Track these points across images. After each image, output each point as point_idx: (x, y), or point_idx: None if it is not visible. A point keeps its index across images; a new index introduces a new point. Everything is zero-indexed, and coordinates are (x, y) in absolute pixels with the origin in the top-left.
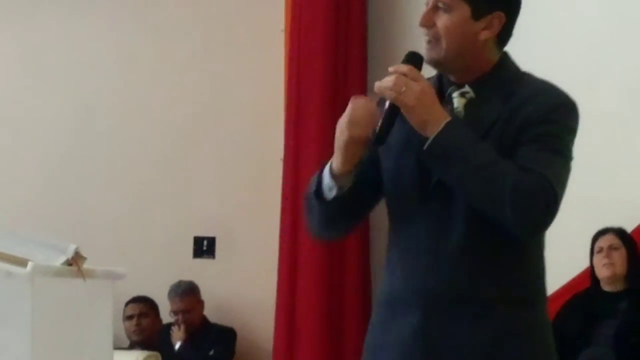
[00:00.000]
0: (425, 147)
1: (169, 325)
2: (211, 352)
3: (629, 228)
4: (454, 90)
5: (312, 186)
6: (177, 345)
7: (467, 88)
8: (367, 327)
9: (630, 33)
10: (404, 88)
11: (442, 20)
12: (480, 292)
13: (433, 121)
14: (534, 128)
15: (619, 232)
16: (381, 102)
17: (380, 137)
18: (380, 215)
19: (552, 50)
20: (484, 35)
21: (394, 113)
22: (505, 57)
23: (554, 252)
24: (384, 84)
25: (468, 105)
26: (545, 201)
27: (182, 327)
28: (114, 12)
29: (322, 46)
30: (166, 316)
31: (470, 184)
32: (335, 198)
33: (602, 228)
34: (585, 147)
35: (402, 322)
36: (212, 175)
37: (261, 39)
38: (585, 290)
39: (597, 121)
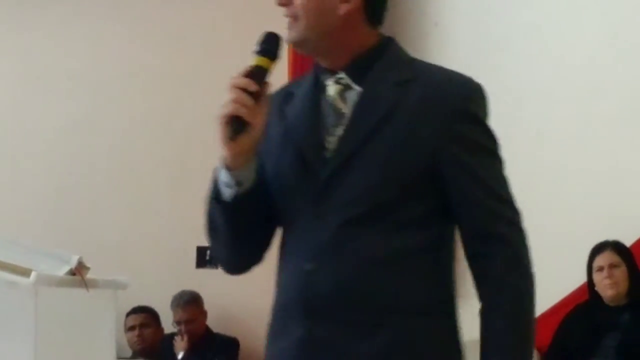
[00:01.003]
0: None
1: (172, 335)
2: None
3: (627, 241)
4: (326, 78)
5: (210, 193)
6: (180, 355)
7: (341, 74)
8: None
9: (631, 51)
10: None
11: None
12: (371, 301)
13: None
14: (464, 137)
15: (617, 248)
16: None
17: (235, 130)
18: None
19: (556, 65)
20: (343, 8)
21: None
22: (387, 40)
23: (550, 267)
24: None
25: (343, 92)
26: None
27: (185, 337)
28: (117, 23)
29: None
30: (169, 326)
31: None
32: (237, 198)
33: (600, 243)
34: (582, 161)
35: (290, 332)
36: None
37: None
38: (587, 303)
39: (595, 136)
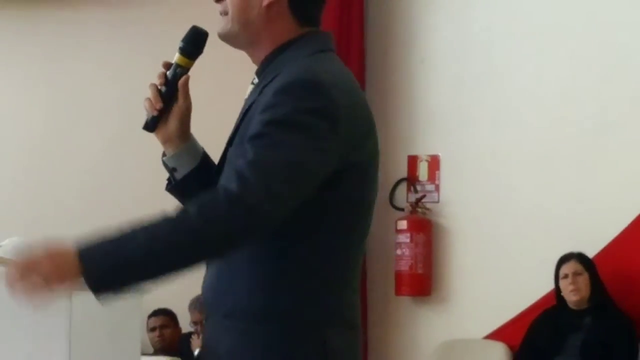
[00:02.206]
0: (97, 298)
1: (189, 334)
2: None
3: (590, 253)
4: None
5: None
6: (197, 352)
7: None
8: (365, 324)
9: (593, 87)
10: (29, 278)
11: None
12: (222, 304)
13: (71, 273)
14: (256, 120)
15: (581, 258)
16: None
17: (146, 124)
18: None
19: (530, 96)
20: (266, 0)
21: (165, 96)
22: (306, 35)
23: (522, 276)
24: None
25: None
26: (226, 214)
27: (201, 335)
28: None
29: None
30: (186, 326)
31: (165, 271)
32: (176, 182)
33: (565, 254)
34: (553, 184)
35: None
36: None
37: None
38: (553, 307)
39: (563, 163)
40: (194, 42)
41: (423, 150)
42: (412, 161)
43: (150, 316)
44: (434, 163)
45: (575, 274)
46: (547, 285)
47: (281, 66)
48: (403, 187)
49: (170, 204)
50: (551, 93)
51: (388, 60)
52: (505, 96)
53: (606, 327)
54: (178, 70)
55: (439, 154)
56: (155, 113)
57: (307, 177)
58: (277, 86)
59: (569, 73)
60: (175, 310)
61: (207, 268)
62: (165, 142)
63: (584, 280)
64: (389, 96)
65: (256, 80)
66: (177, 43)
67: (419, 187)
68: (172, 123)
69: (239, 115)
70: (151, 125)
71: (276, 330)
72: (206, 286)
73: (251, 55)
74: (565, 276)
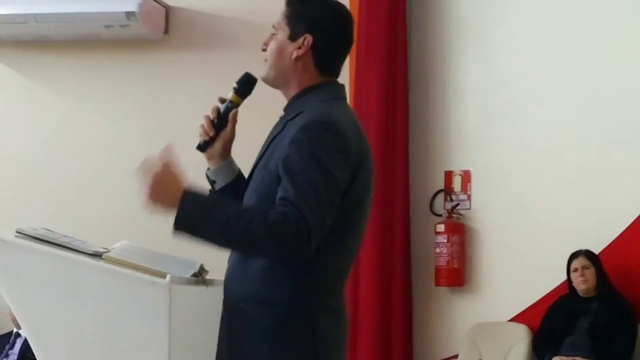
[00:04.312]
0: (173, 232)
1: None
2: None
3: (596, 250)
4: None
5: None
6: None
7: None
8: (411, 310)
9: (604, 106)
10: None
11: (271, 43)
12: (236, 291)
13: (170, 204)
14: (286, 151)
15: (588, 254)
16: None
17: (199, 146)
18: (418, 210)
19: (549, 118)
20: (295, 53)
21: (217, 126)
22: (325, 84)
23: (541, 269)
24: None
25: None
26: (297, 233)
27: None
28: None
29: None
30: None
31: (228, 243)
32: (216, 192)
33: (575, 251)
34: (562, 189)
35: None
36: None
37: None
38: (566, 295)
39: (573, 169)
40: (246, 85)
41: (457, 166)
42: (448, 175)
43: None
44: (466, 177)
45: (584, 267)
46: (560, 277)
47: (302, 106)
48: (441, 197)
49: None
50: (561, 120)
51: (428, 94)
52: (523, 122)
53: (610, 312)
54: (230, 105)
55: (470, 169)
56: (207, 138)
57: (333, 202)
58: (301, 123)
59: (576, 104)
60: None
61: (229, 262)
62: (209, 159)
63: (591, 273)
64: (429, 122)
65: (282, 114)
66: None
67: (454, 197)
68: (218, 145)
69: (265, 142)
70: (203, 147)
71: (275, 315)
72: (227, 276)
73: (284, 93)
74: (575, 269)
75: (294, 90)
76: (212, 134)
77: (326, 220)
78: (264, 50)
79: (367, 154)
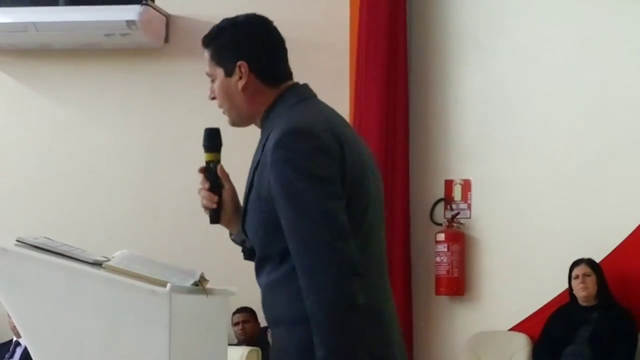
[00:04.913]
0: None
1: (266, 328)
2: None
3: (598, 258)
4: None
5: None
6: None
7: None
8: (411, 318)
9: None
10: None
11: (215, 89)
12: (271, 316)
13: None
14: (272, 174)
15: (590, 262)
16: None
17: (212, 219)
18: (419, 219)
19: (547, 123)
20: (240, 84)
21: (215, 190)
22: (282, 94)
23: (541, 278)
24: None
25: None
26: (334, 287)
27: None
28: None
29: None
30: (264, 321)
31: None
32: (249, 250)
33: (577, 259)
34: (562, 197)
35: None
36: None
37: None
38: (567, 304)
39: (573, 178)
40: (211, 140)
41: (457, 175)
42: (448, 184)
43: (234, 313)
44: (467, 186)
45: (585, 275)
46: (560, 286)
47: (272, 124)
48: (441, 206)
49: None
50: (561, 129)
51: (428, 102)
52: (522, 131)
53: (611, 321)
54: (211, 165)
55: (470, 178)
56: (214, 206)
57: (336, 211)
58: (272, 143)
59: (574, 113)
60: (255, 307)
61: (260, 286)
62: (227, 225)
63: (592, 281)
64: (429, 131)
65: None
66: None
67: (454, 206)
68: (228, 205)
69: (250, 172)
70: (216, 218)
71: (308, 330)
72: (262, 302)
73: (256, 124)
74: (577, 277)
75: (259, 114)
76: (216, 200)
77: (343, 238)
78: (213, 98)
79: (350, 141)
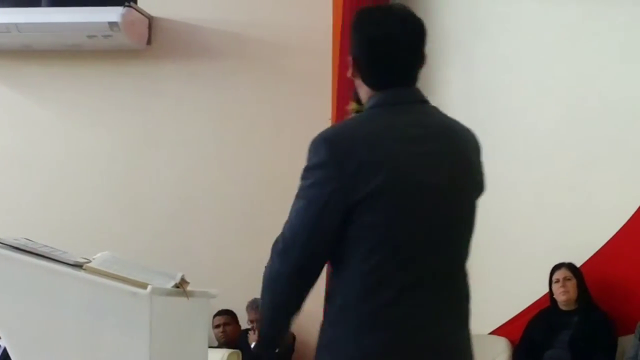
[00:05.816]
0: None
1: (246, 331)
2: (277, 350)
3: (579, 262)
4: None
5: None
6: (253, 345)
7: None
8: None
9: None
10: None
11: None
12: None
13: None
14: None
15: (570, 267)
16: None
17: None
18: None
19: (530, 130)
20: (349, 73)
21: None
22: (373, 96)
23: (522, 282)
24: None
25: None
26: (275, 253)
27: (257, 332)
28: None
29: None
30: (244, 323)
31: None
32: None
33: (558, 263)
34: (545, 201)
35: None
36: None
37: (309, 127)
38: (547, 308)
39: (556, 182)
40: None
41: None
42: None
43: (215, 315)
44: None
45: (566, 279)
46: (540, 290)
47: None
48: None
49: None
50: (543, 134)
51: None
52: (505, 135)
53: (591, 325)
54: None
55: None
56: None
57: (315, 226)
58: None
59: (558, 117)
60: (235, 310)
61: None
62: None
63: (572, 284)
64: None
65: None
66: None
67: None
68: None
69: None
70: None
71: (334, 332)
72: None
73: None
74: (557, 281)
75: None
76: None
77: (305, 235)
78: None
79: (374, 159)
